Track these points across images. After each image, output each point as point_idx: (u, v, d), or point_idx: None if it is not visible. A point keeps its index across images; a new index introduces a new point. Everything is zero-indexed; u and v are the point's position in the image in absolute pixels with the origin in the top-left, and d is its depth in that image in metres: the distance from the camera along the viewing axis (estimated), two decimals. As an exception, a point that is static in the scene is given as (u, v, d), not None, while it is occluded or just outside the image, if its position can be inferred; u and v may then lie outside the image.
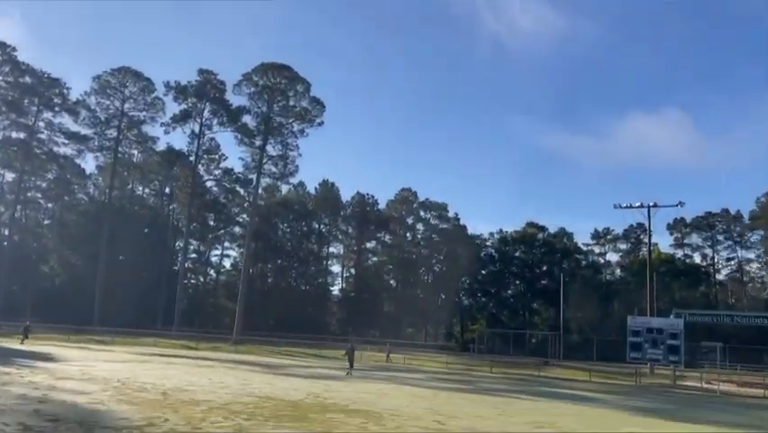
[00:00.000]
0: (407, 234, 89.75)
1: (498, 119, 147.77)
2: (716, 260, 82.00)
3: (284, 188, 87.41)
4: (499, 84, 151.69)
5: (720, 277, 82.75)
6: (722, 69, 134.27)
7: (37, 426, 9.29)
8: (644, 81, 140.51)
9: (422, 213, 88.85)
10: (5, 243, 72.33)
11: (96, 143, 72.02)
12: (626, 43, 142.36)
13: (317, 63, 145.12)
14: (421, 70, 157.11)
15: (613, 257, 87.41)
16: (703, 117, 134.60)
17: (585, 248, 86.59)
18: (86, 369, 20.83)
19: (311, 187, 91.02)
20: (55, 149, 71.83)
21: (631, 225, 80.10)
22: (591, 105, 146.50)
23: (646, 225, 49.23)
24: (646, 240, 55.07)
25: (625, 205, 47.05)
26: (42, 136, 70.98)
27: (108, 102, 70.41)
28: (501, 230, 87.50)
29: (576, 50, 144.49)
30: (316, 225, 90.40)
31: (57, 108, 70.24)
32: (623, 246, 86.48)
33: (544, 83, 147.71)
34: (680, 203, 46.14)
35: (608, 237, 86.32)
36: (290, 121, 69.13)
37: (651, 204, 46.26)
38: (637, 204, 46.71)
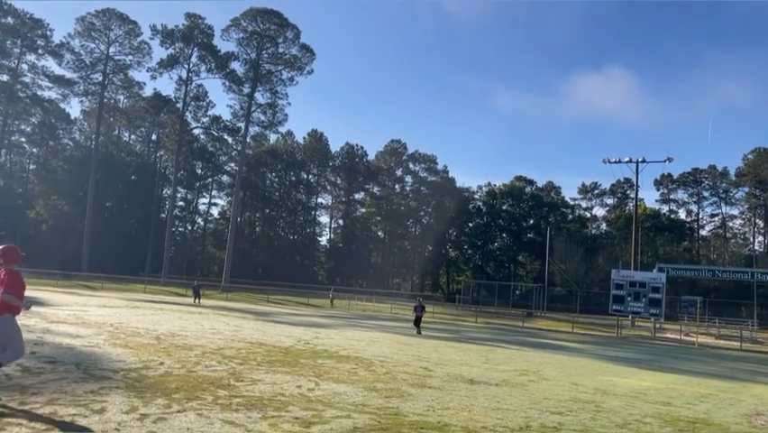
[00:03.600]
0: (396, 186, 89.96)
1: (452, 78, 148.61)
2: (700, 216, 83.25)
3: (272, 138, 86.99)
4: (445, 46, 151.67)
5: (704, 233, 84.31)
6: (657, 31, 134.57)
7: (35, 367, 9.49)
8: (580, 41, 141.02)
9: (411, 165, 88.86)
10: (-10, 187, 71.72)
11: (81, 88, 70.68)
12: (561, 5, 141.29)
13: (305, 15, 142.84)
14: (385, 31, 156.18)
15: (599, 211, 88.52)
16: (645, 76, 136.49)
17: (572, 202, 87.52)
18: (79, 313, 21.06)
19: (299, 136, 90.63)
20: (39, 92, 70.53)
21: (618, 181, 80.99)
22: (537, 66, 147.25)
23: (633, 180, 49.68)
24: (633, 195, 55.67)
25: (614, 160, 47.28)
26: (26, 79, 69.53)
27: (93, 45, 68.79)
28: (490, 183, 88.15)
29: (514, 12, 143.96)
30: (305, 175, 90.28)
31: (40, 51, 68.56)
32: (609, 201, 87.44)
33: (486, 44, 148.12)
34: (668, 159, 46.50)
35: (595, 192, 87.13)
36: (279, 68, 68.07)
37: (639, 159, 46.58)
38: (626, 159, 46.94)
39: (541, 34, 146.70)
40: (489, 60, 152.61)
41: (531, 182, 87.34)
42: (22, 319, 17.13)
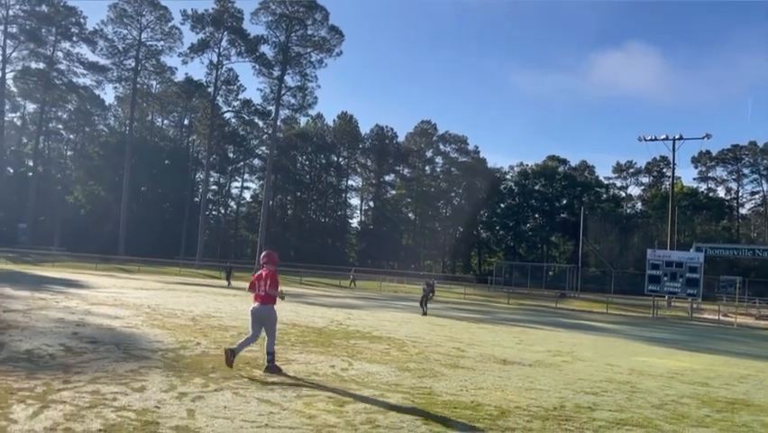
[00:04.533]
0: (426, 168, 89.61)
1: (478, 59, 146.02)
2: (740, 193, 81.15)
3: (302, 120, 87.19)
4: (468, 28, 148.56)
5: (743, 211, 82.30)
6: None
7: (77, 347, 9.76)
8: (599, 19, 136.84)
9: (441, 146, 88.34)
10: (30, 174, 73.50)
11: (115, 74, 71.79)
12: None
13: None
14: (410, 12, 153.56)
15: (634, 190, 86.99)
16: (669, 52, 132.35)
17: (606, 181, 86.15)
18: (117, 296, 21.57)
19: (329, 119, 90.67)
20: (74, 79, 71.89)
21: (654, 159, 79.27)
22: (559, 45, 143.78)
23: (669, 158, 48.61)
24: (669, 173, 54.51)
25: (649, 137, 46.26)
26: (61, 66, 70.90)
27: (125, 31, 69.64)
28: (522, 163, 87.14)
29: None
30: (335, 158, 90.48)
31: (74, 38, 69.80)
32: (645, 180, 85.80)
33: (503, 23, 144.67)
34: (706, 135, 45.32)
35: (630, 171, 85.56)
36: (308, 51, 68.05)
37: (676, 136, 45.48)
38: (662, 136, 45.90)
39: (559, 13, 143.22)
40: (511, 41, 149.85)
41: (564, 162, 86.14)
42: (64, 301, 17.66)
